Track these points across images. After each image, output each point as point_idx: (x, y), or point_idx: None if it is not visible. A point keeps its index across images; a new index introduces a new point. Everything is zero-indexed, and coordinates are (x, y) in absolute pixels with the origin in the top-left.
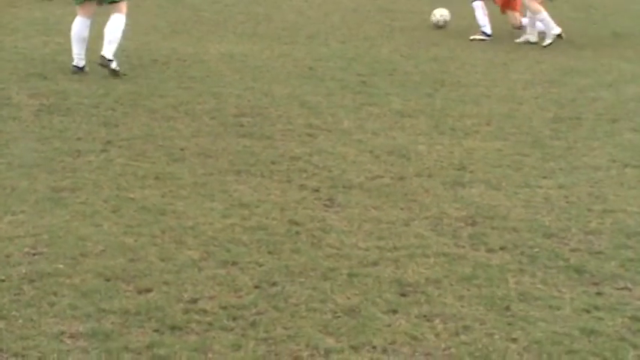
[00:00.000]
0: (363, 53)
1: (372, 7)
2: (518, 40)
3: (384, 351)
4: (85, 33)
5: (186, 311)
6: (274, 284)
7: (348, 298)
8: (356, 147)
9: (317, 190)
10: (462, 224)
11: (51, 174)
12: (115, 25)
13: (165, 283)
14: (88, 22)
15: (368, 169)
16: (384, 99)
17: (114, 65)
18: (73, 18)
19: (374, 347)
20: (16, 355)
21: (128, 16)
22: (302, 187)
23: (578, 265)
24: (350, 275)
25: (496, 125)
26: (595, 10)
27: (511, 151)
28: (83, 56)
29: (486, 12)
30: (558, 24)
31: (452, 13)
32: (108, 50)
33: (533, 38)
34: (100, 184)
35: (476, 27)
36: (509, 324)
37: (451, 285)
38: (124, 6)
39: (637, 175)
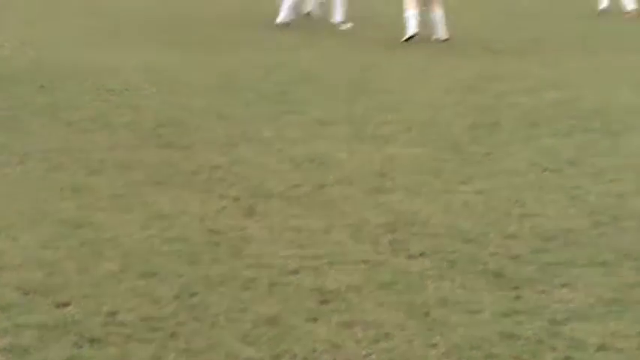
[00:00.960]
0: (283, 62)
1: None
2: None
3: (305, 359)
4: None
5: (105, 324)
6: (194, 295)
7: (269, 308)
8: (276, 156)
9: (237, 200)
10: (382, 231)
11: None
12: None
13: (84, 296)
14: None
15: (288, 178)
16: (304, 107)
17: None
18: None
19: (294, 356)
20: None
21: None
22: (222, 196)
23: (496, 270)
24: (270, 284)
25: (416, 132)
26: (516, 14)
27: (431, 157)
28: None
29: None
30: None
31: (371, 21)
32: None
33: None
34: (16, 197)
35: (400, 34)
36: (428, 329)
37: (371, 292)
38: None
39: (555, 179)
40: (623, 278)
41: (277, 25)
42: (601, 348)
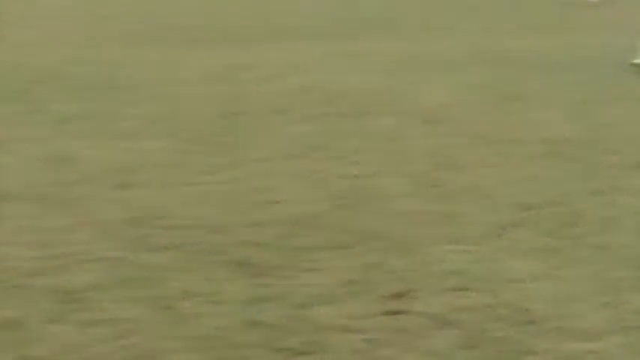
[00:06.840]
0: (24, 61)
1: None
2: None
3: None
4: None
5: None
6: None
7: (10, 311)
8: (15, 156)
9: None
10: (126, 227)
11: None
12: None
13: None
14: None
15: (28, 178)
16: (46, 106)
17: None
18: None
19: (41, 358)
20: None
21: None
22: None
23: (241, 258)
24: (11, 287)
25: (160, 125)
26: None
27: (175, 150)
28: None
29: None
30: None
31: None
32: None
33: None
34: None
35: None
36: (173, 323)
37: (114, 289)
38: None
39: (303, 165)
40: (363, 259)
41: None
42: (345, 330)
